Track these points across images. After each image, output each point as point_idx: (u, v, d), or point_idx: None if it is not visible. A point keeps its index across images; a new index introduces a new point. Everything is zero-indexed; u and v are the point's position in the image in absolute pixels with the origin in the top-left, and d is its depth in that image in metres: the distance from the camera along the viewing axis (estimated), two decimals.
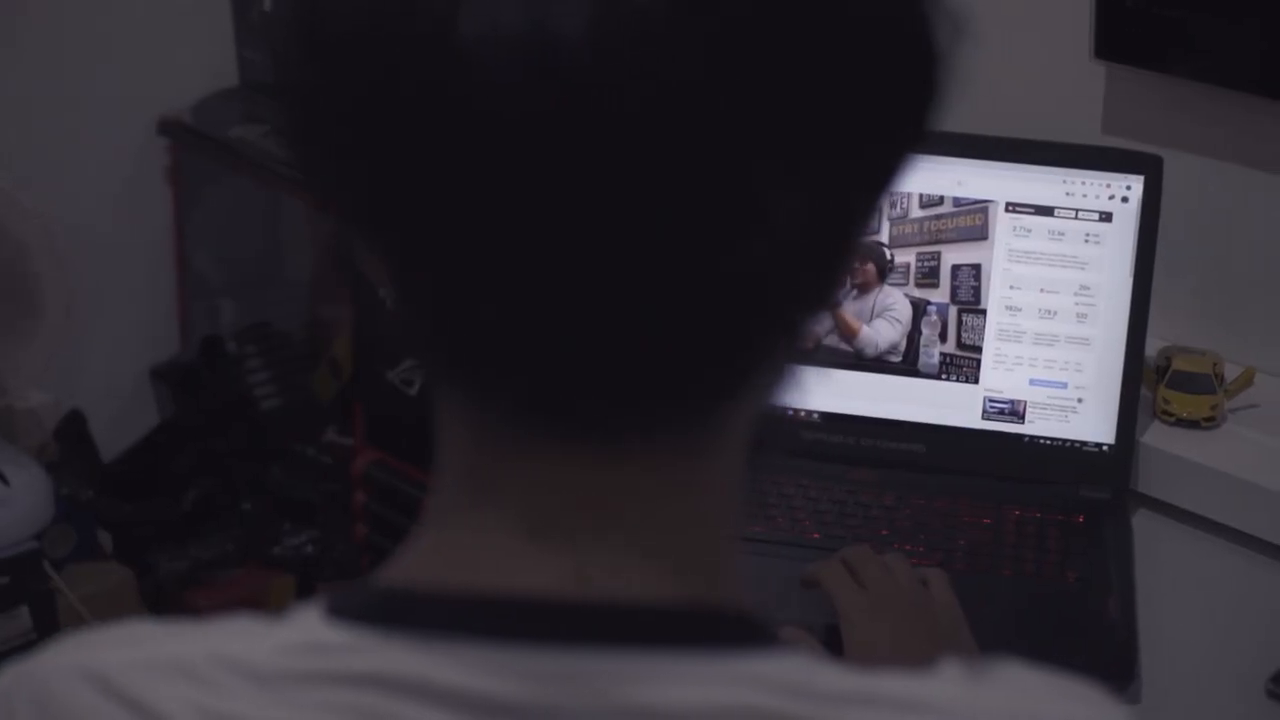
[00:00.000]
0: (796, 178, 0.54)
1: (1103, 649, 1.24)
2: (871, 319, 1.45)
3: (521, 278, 0.53)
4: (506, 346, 0.55)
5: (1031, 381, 1.44)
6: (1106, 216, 1.42)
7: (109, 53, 2.23)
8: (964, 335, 1.44)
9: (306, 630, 0.58)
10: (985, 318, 1.44)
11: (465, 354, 0.57)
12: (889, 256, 1.45)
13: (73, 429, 2.17)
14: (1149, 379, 1.49)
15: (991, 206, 1.43)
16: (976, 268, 1.44)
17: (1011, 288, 1.44)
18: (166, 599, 2.11)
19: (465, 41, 0.51)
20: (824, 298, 0.60)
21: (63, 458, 2.14)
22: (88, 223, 2.25)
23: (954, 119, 1.48)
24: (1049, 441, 1.44)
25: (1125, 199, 1.42)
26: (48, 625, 1.85)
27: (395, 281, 0.57)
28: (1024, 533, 1.37)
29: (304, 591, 2.17)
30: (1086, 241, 1.42)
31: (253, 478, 2.24)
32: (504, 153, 0.52)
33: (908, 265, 1.45)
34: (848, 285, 1.45)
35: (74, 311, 2.06)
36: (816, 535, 1.36)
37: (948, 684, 0.59)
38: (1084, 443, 1.43)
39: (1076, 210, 1.42)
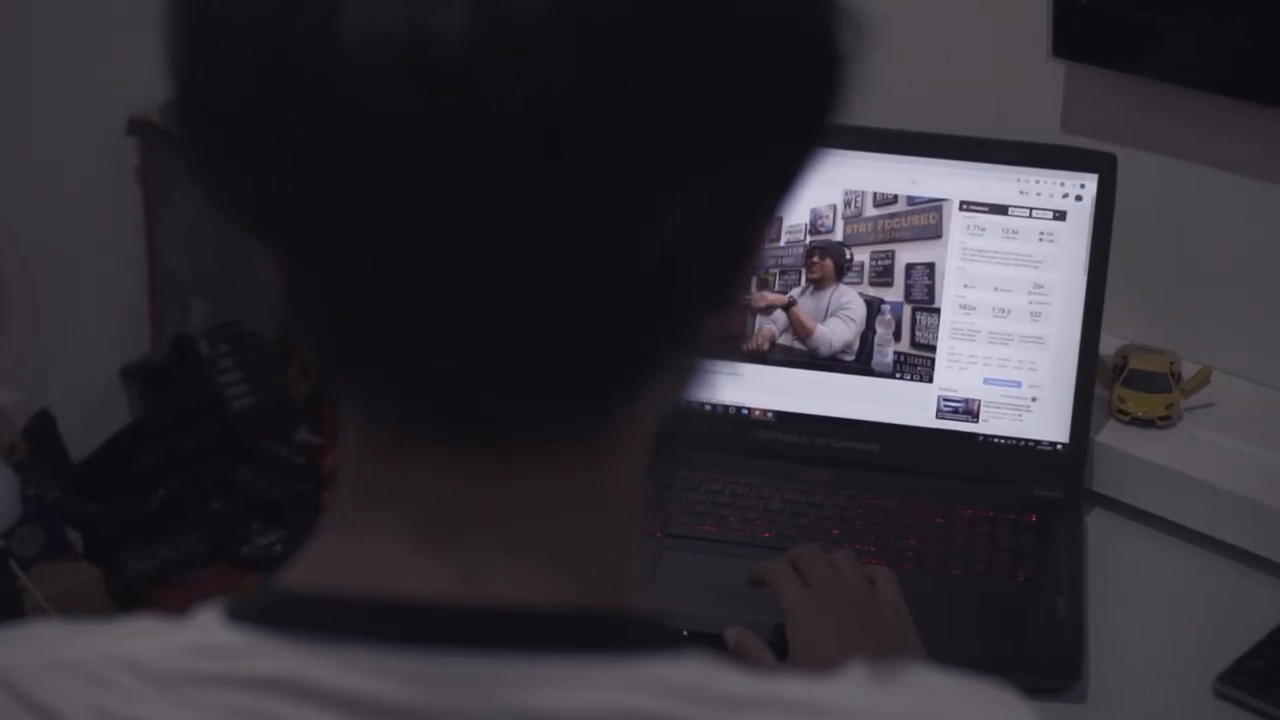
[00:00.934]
0: (684, 179, 0.54)
1: (1050, 648, 1.24)
2: (826, 318, 1.45)
3: (405, 279, 0.53)
4: (392, 349, 0.55)
5: (986, 380, 1.44)
6: (1060, 215, 1.42)
7: (76, 52, 2.22)
8: (918, 334, 1.44)
9: (205, 632, 0.58)
10: (939, 316, 1.44)
11: (352, 355, 0.57)
12: (848, 255, 1.45)
13: (41, 428, 2.17)
14: (1104, 377, 1.49)
15: (945, 205, 1.43)
16: (931, 266, 1.44)
17: (966, 286, 1.43)
18: (135, 598, 2.10)
19: (346, 42, 0.51)
20: (725, 297, 0.60)
21: (31, 457, 2.14)
22: (57, 222, 2.24)
23: (912, 118, 1.46)
24: (1003, 440, 1.44)
25: (1079, 197, 1.41)
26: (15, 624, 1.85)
27: (287, 280, 0.57)
28: (975, 532, 1.37)
29: None
30: (1040, 240, 1.42)
31: (221, 477, 2.23)
32: (386, 154, 0.52)
33: (862, 264, 1.44)
34: (803, 283, 1.45)
35: (41, 312, 2.06)
36: (768, 535, 1.36)
37: (851, 687, 0.59)
38: (1038, 442, 1.43)
39: (1030, 209, 1.42)
